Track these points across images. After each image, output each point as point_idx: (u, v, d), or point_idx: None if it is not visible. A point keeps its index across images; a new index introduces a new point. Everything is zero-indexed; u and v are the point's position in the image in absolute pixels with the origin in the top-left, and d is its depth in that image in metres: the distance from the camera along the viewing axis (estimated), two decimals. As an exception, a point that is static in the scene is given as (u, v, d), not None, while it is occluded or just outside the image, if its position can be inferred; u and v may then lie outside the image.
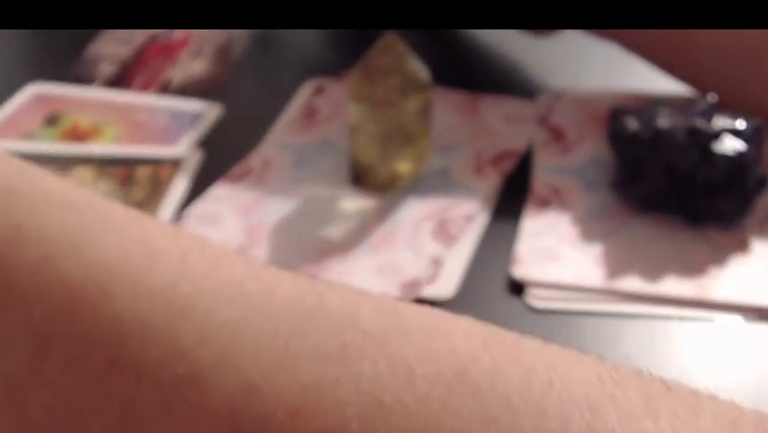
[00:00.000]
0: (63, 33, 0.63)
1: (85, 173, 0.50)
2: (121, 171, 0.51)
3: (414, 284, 0.45)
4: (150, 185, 0.50)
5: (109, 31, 0.63)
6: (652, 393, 0.23)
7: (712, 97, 0.49)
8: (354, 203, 0.50)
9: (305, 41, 0.64)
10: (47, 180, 0.27)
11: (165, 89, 0.59)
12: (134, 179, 0.51)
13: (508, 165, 0.52)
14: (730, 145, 0.46)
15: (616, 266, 0.46)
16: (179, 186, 0.51)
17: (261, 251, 0.47)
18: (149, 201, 0.50)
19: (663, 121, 0.47)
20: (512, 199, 0.50)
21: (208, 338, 0.23)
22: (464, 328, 0.24)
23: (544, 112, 0.56)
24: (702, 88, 0.49)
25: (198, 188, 0.51)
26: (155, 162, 0.52)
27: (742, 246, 0.47)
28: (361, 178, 0.50)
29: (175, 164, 0.51)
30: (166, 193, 0.50)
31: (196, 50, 0.63)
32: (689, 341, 0.43)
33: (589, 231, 0.48)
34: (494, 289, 0.46)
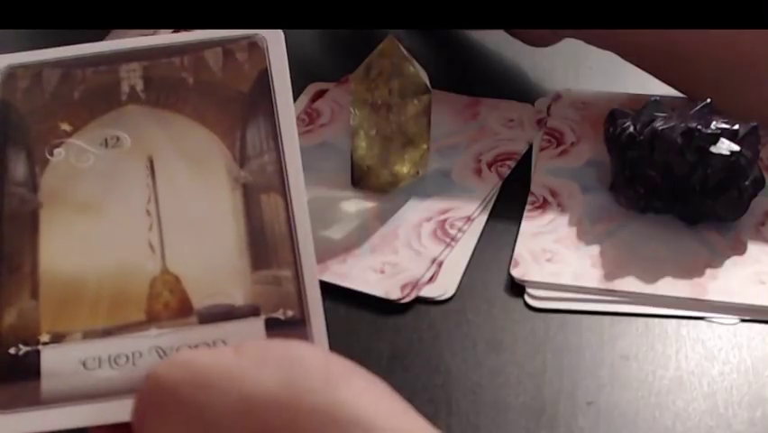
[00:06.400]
0: (64, 33, 0.64)
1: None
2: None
3: (414, 284, 0.45)
4: None
5: (110, 31, 0.63)
6: None
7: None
8: (355, 204, 0.50)
9: (306, 45, 0.64)
10: None
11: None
12: None
13: (508, 167, 0.53)
14: (726, 147, 0.47)
15: (613, 267, 0.46)
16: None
17: (264, 252, 0.47)
18: None
19: (660, 123, 0.48)
20: (511, 201, 0.50)
21: None
22: None
23: (542, 115, 0.56)
24: (697, 96, 0.49)
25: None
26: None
27: (737, 247, 0.47)
28: (361, 180, 0.51)
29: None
30: None
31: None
32: (685, 340, 0.44)
33: (586, 232, 0.48)
34: (493, 289, 0.46)
